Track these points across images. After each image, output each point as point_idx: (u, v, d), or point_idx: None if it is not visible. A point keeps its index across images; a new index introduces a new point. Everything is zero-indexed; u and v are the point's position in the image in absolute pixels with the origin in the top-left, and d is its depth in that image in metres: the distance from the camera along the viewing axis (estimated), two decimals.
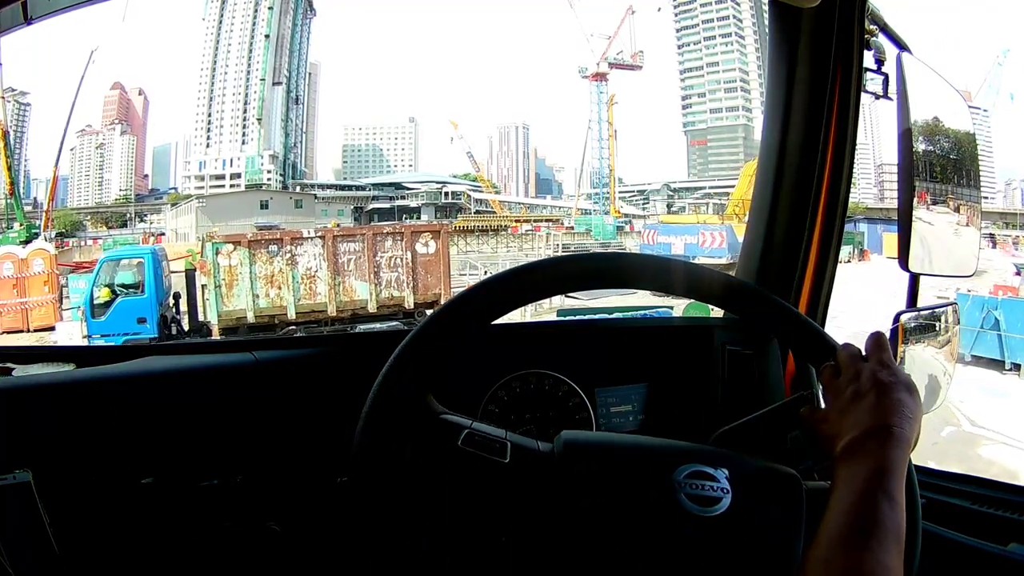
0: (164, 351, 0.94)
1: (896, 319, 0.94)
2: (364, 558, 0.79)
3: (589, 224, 33.54)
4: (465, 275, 15.82)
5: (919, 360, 0.97)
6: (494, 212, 44.73)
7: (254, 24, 47.36)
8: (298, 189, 43.80)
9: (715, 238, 20.14)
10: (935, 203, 0.99)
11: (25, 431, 0.75)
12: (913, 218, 0.93)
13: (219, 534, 0.81)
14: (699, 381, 0.95)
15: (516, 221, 36.85)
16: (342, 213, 42.68)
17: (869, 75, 0.97)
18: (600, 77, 42.13)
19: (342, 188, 49.59)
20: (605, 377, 0.94)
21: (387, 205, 46.66)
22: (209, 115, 47.78)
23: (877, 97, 0.98)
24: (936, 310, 1.05)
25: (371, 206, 46.14)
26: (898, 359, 0.94)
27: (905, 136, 0.92)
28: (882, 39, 0.97)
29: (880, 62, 0.97)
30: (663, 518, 0.55)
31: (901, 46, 0.97)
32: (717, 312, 0.91)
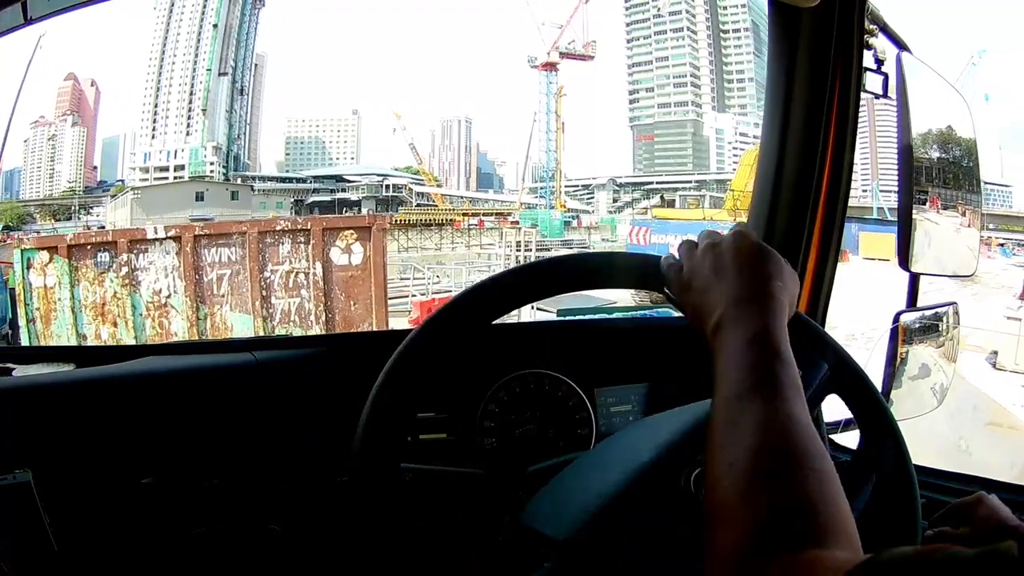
0: (164, 351, 0.94)
1: (896, 319, 0.94)
2: (364, 558, 0.79)
3: (534, 218, 30.98)
4: (407, 281, 13.12)
5: (919, 360, 0.97)
6: (436, 206, 43.33)
7: (203, 13, 46.64)
8: (239, 181, 42.95)
9: None
10: (930, 203, 0.99)
11: (25, 431, 0.75)
12: (913, 218, 0.93)
13: (219, 534, 0.81)
14: (699, 381, 0.95)
15: (462, 215, 34.53)
16: (280, 206, 41.75)
17: (869, 75, 0.97)
18: (550, 67, 40.94)
19: (282, 180, 48.67)
20: (605, 377, 0.94)
21: (328, 198, 45.62)
22: (156, 106, 46.97)
23: (877, 97, 0.98)
24: (936, 310, 1.05)
25: (311, 199, 45.17)
26: (898, 359, 0.94)
27: (905, 136, 0.92)
28: (882, 39, 0.97)
29: (880, 62, 0.97)
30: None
31: (901, 46, 0.97)
32: None
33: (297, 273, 6.82)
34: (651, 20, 60.44)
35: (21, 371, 0.82)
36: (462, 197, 51.33)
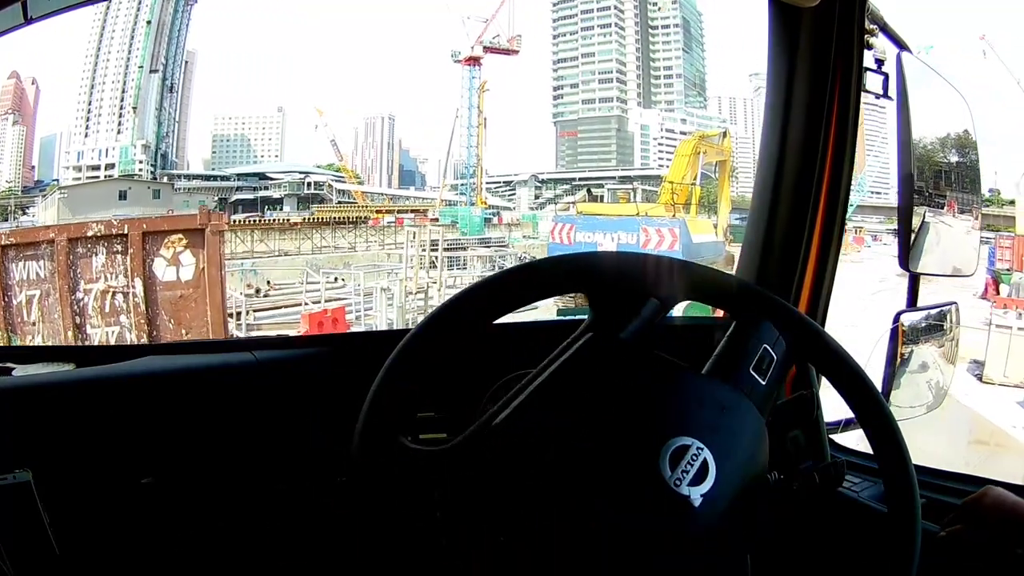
0: (164, 351, 0.94)
1: (896, 319, 0.94)
2: (364, 557, 0.79)
3: (455, 215, 29.70)
4: (316, 286, 11.89)
5: (919, 360, 0.97)
6: (356, 203, 42.62)
7: (138, 9, 46.05)
8: (165, 179, 42.26)
9: (663, 236, 15.03)
10: (932, 204, 0.99)
11: (25, 431, 0.75)
12: (926, 221, 0.93)
13: (219, 534, 0.81)
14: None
15: (377, 212, 33.16)
16: (203, 204, 39.99)
17: (869, 75, 0.97)
18: (473, 61, 39.78)
19: (207, 178, 47.79)
20: None
21: (251, 196, 44.80)
22: (90, 104, 46.12)
23: (877, 97, 0.98)
24: (936, 310, 1.05)
25: (235, 197, 44.32)
26: (898, 359, 0.94)
27: (905, 136, 0.92)
28: (882, 39, 0.96)
29: (880, 62, 0.97)
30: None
31: (901, 46, 0.97)
32: (717, 312, 0.91)
33: (114, 293, 5.24)
34: (578, 16, 60.24)
35: (21, 371, 0.82)
36: (383, 194, 50.60)
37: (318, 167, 50.87)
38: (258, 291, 13.52)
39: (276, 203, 44.17)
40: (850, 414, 0.66)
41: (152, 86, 46.89)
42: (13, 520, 0.70)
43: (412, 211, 34.67)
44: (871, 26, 0.95)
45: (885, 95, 0.98)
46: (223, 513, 0.82)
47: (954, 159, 1.05)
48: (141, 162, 45.14)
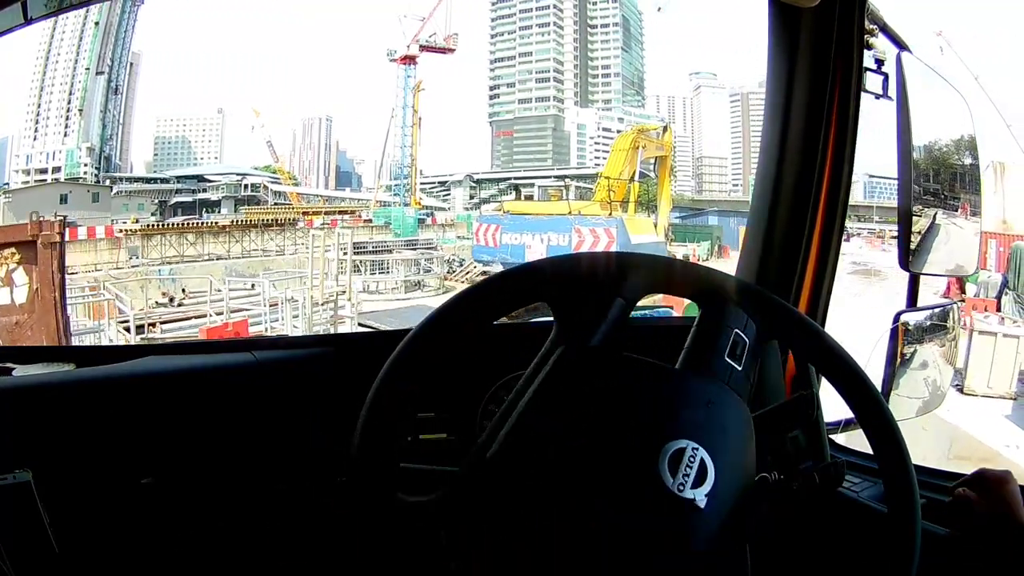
0: (164, 351, 0.94)
1: (896, 319, 0.94)
2: (364, 558, 0.79)
3: (388, 216, 28.27)
4: (234, 294, 11.18)
5: (919, 360, 0.97)
6: (292, 204, 41.77)
7: (87, 9, 44.87)
8: (107, 183, 41.72)
9: (598, 237, 13.67)
10: (947, 206, 0.99)
11: (25, 431, 0.75)
12: (912, 218, 0.93)
13: (219, 534, 0.81)
14: None
15: (304, 213, 31.18)
16: (142, 207, 40.02)
17: (869, 75, 0.97)
18: (409, 60, 38.86)
19: (148, 181, 47.30)
20: None
21: (189, 199, 44.29)
22: (39, 106, 45.56)
23: (877, 97, 0.98)
24: (936, 310, 1.05)
25: (175, 200, 43.83)
26: (898, 359, 0.94)
27: (905, 136, 0.92)
28: (882, 39, 0.96)
29: (880, 62, 0.97)
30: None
31: (901, 46, 0.97)
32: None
33: None
34: (517, 15, 60.29)
35: (21, 371, 0.82)
36: (318, 196, 49.98)
37: (255, 169, 50.58)
38: (171, 300, 12.56)
39: (215, 205, 43.67)
40: (850, 414, 0.66)
41: (98, 88, 46.46)
42: (13, 520, 0.70)
43: (341, 212, 33.15)
44: (871, 26, 0.95)
45: (885, 95, 0.98)
46: (223, 513, 0.82)
47: (967, 161, 1.06)
48: (86, 165, 44.71)
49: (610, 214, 14.72)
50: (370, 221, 28.42)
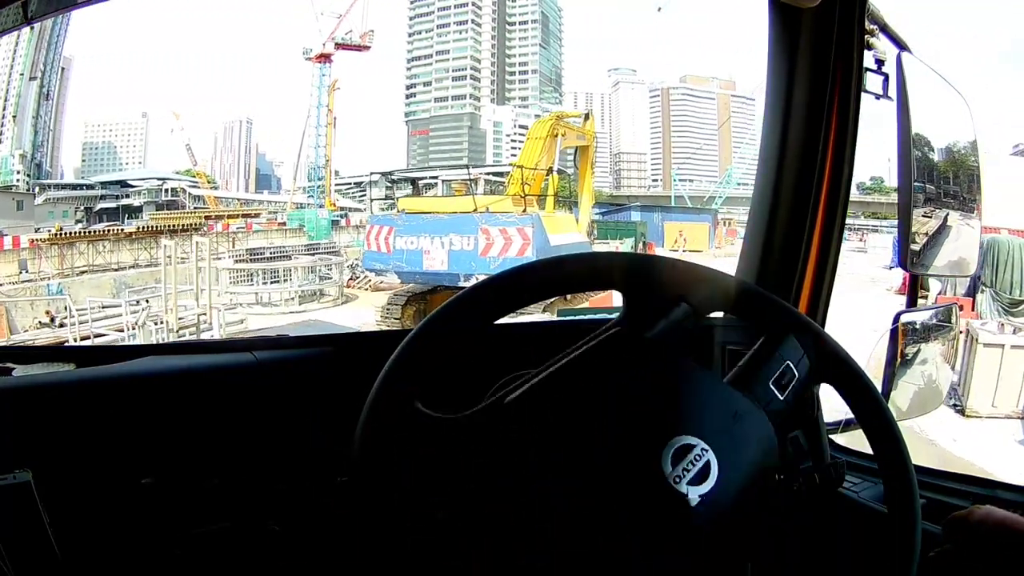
0: (164, 351, 0.94)
1: (896, 319, 0.94)
2: (364, 558, 0.79)
3: (302, 219, 27.01)
4: (104, 311, 10.60)
5: (918, 360, 0.97)
6: (209, 208, 40.63)
7: None
8: (35, 190, 40.95)
9: (511, 238, 11.14)
10: (931, 203, 0.99)
11: (25, 431, 0.75)
12: (912, 218, 0.93)
13: (219, 534, 0.81)
14: None
15: (206, 218, 28.76)
16: (66, 214, 39.48)
17: (869, 75, 0.97)
18: (325, 58, 38.56)
19: (74, 187, 46.61)
20: None
21: (113, 205, 43.71)
22: None
23: (877, 97, 0.98)
24: (936, 310, 1.05)
25: (99, 206, 43.20)
26: (898, 359, 0.94)
27: (905, 136, 0.92)
28: (882, 39, 0.96)
29: (880, 62, 0.97)
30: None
31: (901, 46, 0.97)
32: (717, 312, 0.91)
33: None
34: (435, 13, 60.30)
35: (21, 371, 0.83)
36: (237, 199, 49.59)
37: (176, 173, 50.29)
38: (53, 319, 11.40)
39: (137, 211, 43.06)
40: (850, 414, 0.66)
41: (31, 94, 46.06)
42: (13, 520, 0.70)
43: (245, 216, 30.86)
44: (871, 26, 0.95)
45: (885, 95, 0.98)
46: (223, 513, 0.82)
47: (981, 163, 1.06)
48: (19, 172, 44.37)
49: (524, 210, 11.92)
50: (284, 224, 27.47)
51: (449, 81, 61.22)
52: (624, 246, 18.98)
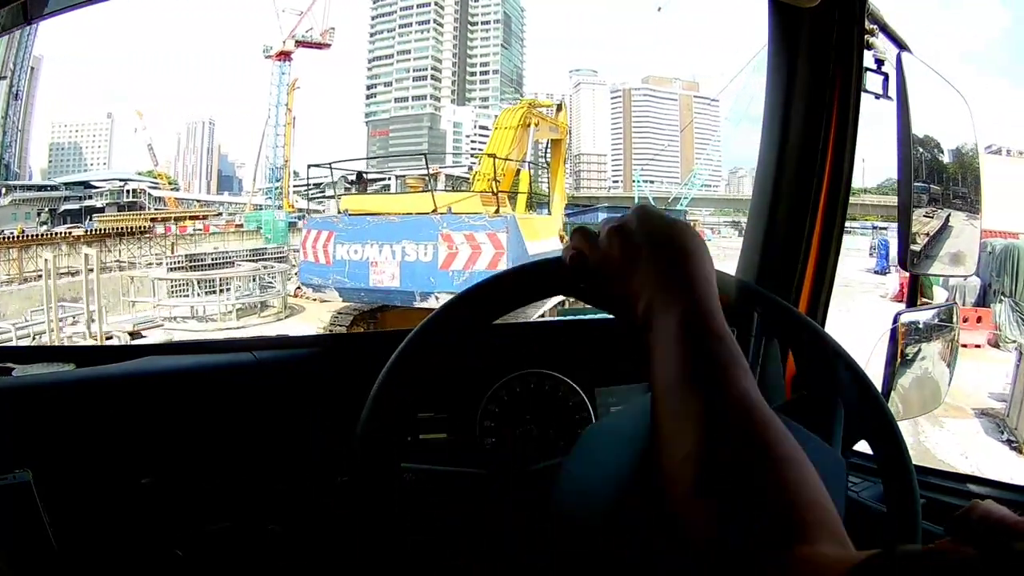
0: (164, 351, 0.94)
1: (896, 319, 0.94)
2: (364, 558, 0.79)
3: (259, 220, 26.04)
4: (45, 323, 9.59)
5: (918, 360, 0.97)
6: (169, 209, 39.58)
7: None
8: (3, 191, 40.36)
9: (479, 246, 8.65)
10: (932, 203, 0.99)
11: (25, 431, 0.75)
12: (912, 218, 0.93)
13: (219, 534, 0.81)
14: None
15: (153, 220, 26.74)
16: (29, 216, 38.62)
17: (869, 75, 0.97)
18: (285, 56, 37.45)
19: (39, 188, 45.73)
20: (605, 377, 0.94)
21: (76, 206, 42.60)
22: None
23: (877, 97, 0.98)
24: (935, 310, 1.05)
25: (63, 207, 42.20)
26: (898, 359, 0.94)
27: (905, 136, 0.92)
28: (882, 39, 0.97)
29: (880, 62, 0.97)
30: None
31: (901, 46, 0.97)
32: None
33: None
34: (397, 13, 59.99)
35: (21, 371, 0.82)
36: (197, 200, 48.92)
37: (139, 174, 49.93)
38: None
39: (100, 212, 41.88)
40: None
41: None
42: (13, 520, 0.70)
43: (194, 217, 28.77)
44: (871, 26, 0.95)
45: (885, 95, 0.98)
46: (223, 513, 0.82)
47: (967, 160, 1.06)
48: None
49: (496, 211, 9.48)
50: (241, 226, 26.38)
51: (410, 81, 61.26)
52: None
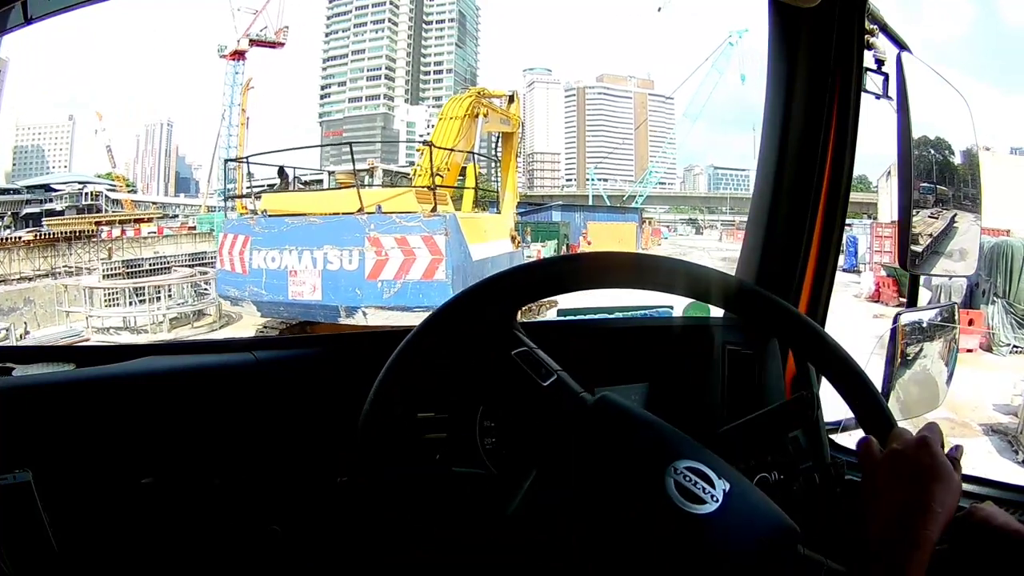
0: (164, 351, 0.94)
1: (896, 319, 0.94)
2: (363, 558, 0.79)
3: (211, 222, 23.83)
4: None
5: (918, 360, 0.97)
6: (126, 212, 38.88)
7: None
8: None
9: (413, 252, 7.40)
10: (934, 203, 0.99)
11: (25, 431, 0.75)
12: (912, 218, 0.93)
13: (219, 534, 0.81)
14: (700, 381, 0.95)
15: (96, 223, 25.48)
16: None
17: (869, 75, 0.97)
18: (239, 56, 37.00)
19: (3, 192, 44.87)
20: (605, 377, 0.94)
21: (37, 209, 41.75)
22: None
23: (877, 97, 0.98)
24: (936, 310, 1.05)
25: (25, 211, 41.54)
26: (898, 359, 0.94)
27: (905, 137, 0.92)
28: (882, 39, 0.97)
29: (880, 62, 0.97)
30: (646, 494, 0.55)
31: (901, 46, 0.97)
32: (717, 312, 0.91)
33: None
34: (352, 12, 59.84)
35: (21, 371, 0.82)
36: (153, 202, 48.46)
37: (97, 176, 49.51)
38: None
39: (60, 215, 40.87)
40: (850, 414, 0.66)
41: None
42: (13, 520, 0.70)
43: (137, 220, 27.76)
44: (871, 26, 0.95)
45: (885, 95, 0.98)
46: (223, 513, 0.82)
47: (966, 159, 1.06)
48: None
49: (434, 210, 7.97)
50: (195, 228, 25.38)
51: (364, 81, 61.18)
52: (547, 249, 16.80)
